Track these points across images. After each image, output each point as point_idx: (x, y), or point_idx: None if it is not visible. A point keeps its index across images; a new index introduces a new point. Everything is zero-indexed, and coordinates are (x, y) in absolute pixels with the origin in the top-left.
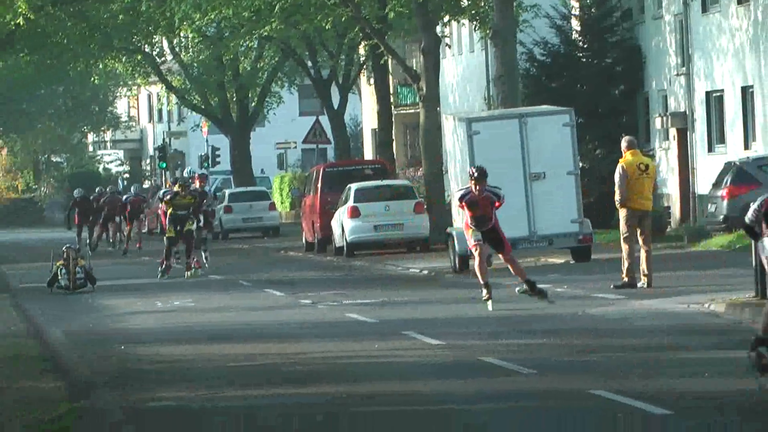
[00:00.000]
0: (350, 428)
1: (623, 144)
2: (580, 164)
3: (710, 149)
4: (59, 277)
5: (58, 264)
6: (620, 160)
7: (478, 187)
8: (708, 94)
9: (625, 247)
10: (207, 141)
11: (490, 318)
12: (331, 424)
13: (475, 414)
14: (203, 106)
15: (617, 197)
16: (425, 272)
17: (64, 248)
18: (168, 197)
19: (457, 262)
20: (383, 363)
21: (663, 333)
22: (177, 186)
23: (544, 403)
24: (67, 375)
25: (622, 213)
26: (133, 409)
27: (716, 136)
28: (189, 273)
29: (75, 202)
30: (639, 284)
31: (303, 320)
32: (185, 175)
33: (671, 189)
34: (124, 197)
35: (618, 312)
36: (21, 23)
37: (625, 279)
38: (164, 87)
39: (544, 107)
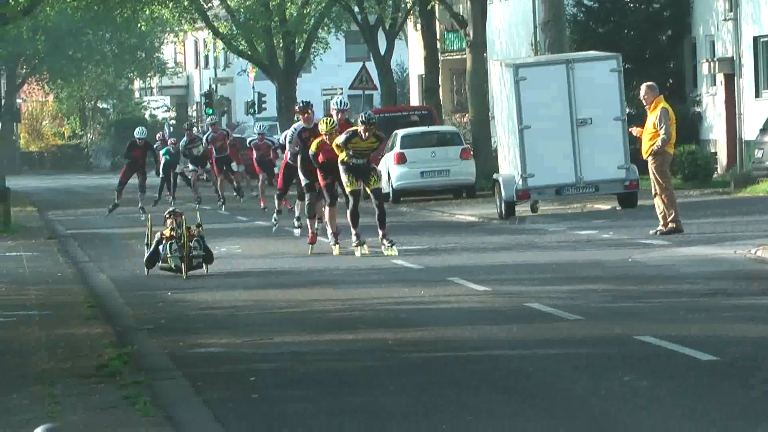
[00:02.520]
0: (399, 375)
1: (653, 90)
2: (627, 110)
3: (757, 94)
4: (168, 254)
5: (165, 234)
6: (662, 103)
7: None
8: (755, 39)
9: (668, 191)
10: (253, 87)
11: (536, 264)
12: (380, 371)
13: (522, 360)
14: (249, 52)
15: (664, 137)
16: (471, 218)
17: (167, 213)
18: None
19: (503, 208)
20: (430, 309)
21: (709, 279)
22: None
23: (589, 349)
24: (114, 321)
25: (662, 157)
26: (179, 355)
27: (764, 81)
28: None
29: (133, 144)
30: (657, 229)
31: (349, 267)
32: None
33: (718, 134)
34: (249, 139)
35: (664, 258)
36: None
37: (672, 225)
38: (211, 33)
39: (591, 53)
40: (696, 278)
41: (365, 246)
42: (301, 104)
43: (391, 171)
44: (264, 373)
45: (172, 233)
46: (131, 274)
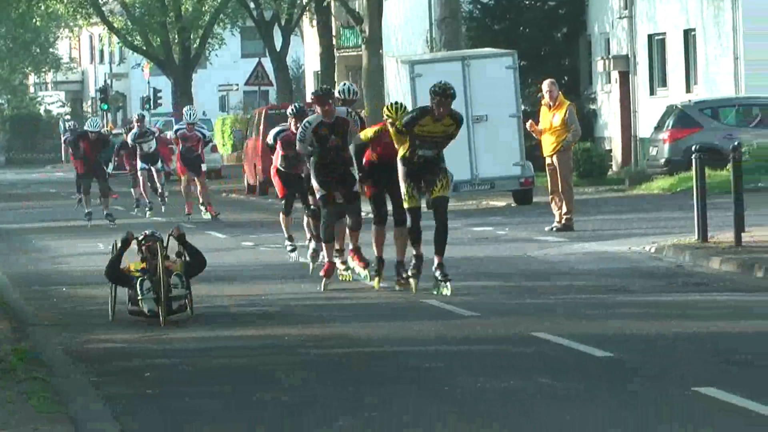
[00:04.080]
0: (299, 370)
1: (555, 87)
2: (523, 107)
3: (652, 92)
4: (138, 295)
5: (133, 269)
6: (566, 103)
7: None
8: (650, 36)
9: (570, 188)
10: (149, 83)
11: (431, 261)
12: (279, 367)
13: (418, 356)
14: (145, 48)
15: (572, 137)
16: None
17: (140, 237)
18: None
19: None
20: (330, 306)
21: (605, 276)
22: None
23: (486, 346)
24: (10, 316)
25: (568, 154)
26: (77, 350)
27: (658, 79)
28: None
29: (81, 137)
30: (553, 226)
31: (245, 262)
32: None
33: (613, 132)
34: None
35: (560, 255)
36: None
37: (568, 221)
38: (106, 28)
39: (487, 50)
40: (592, 275)
41: (412, 282)
42: (320, 92)
43: None
44: (162, 369)
45: (143, 265)
46: (27, 270)
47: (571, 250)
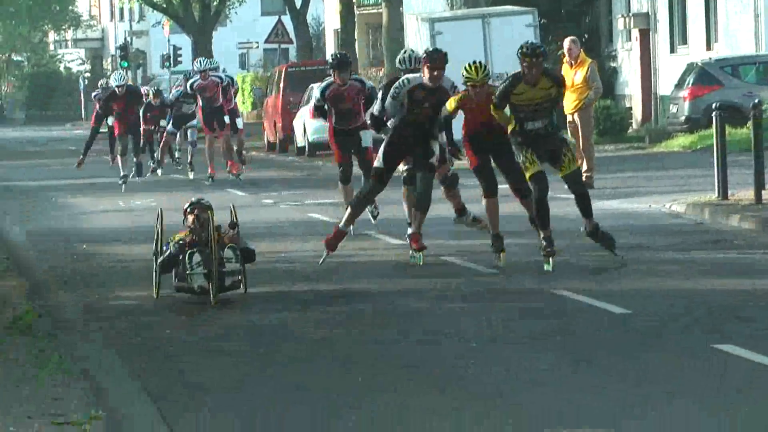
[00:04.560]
0: (322, 327)
1: (577, 44)
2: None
3: (672, 50)
4: (188, 269)
5: (178, 238)
6: (588, 60)
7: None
8: None
9: (591, 146)
10: (168, 40)
11: (451, 218)
12: (301, 324)
13: (439, 313)
14: (164, 5)
15: (594, 95)
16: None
17: (187, 206)
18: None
19: None
20: (349, 263)
21: (624, 233)
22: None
23: (506, 303)
24: (28, 274)
25: (589, 112)
26: (94, 308)
27: (678, 36)
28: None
29: (113, 95)
30: None
31: (265, 220)
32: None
33: (633, 90)
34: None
35: (579, 212)
36: None
37: (589, 179)
38: None
39: (507, 7)
40: (612, 232)
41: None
42: (437, 53)
43: (307, 124)
44: (180, 326)
45: (193, 238)
46: (47, 228)
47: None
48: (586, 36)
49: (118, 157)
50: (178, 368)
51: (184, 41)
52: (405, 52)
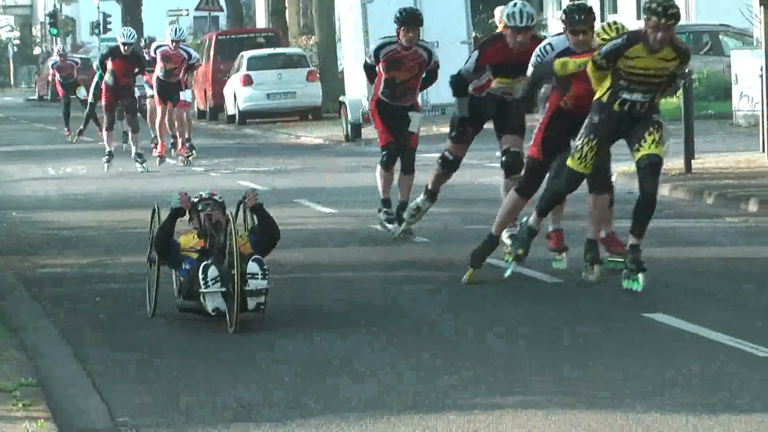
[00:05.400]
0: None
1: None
2: (474, 34)
3: (603, 19)
4: (202, 286)
5: (189, 243)
6: None
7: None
8: None
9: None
10: (98, 8)
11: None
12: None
13: (370, 281)
14: None
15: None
16: (317, 140)
17: (195, 198)
18: None
19: (349, 130)
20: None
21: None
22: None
23: (436, 272)
24: None
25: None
26: (26, 276)
27: (609, 6)
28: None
29: (115, 51)
30: None
31: (196, 188)
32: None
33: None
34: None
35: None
36: None
37: None
38: None
39: None
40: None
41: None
42: (575, 9)
43: (237, 92)
44: (112, 294)
45: (200, 242)
46: None
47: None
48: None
49: (104, 131)
50: (111, 335)
51: (114, 8)
52: (515, 5)
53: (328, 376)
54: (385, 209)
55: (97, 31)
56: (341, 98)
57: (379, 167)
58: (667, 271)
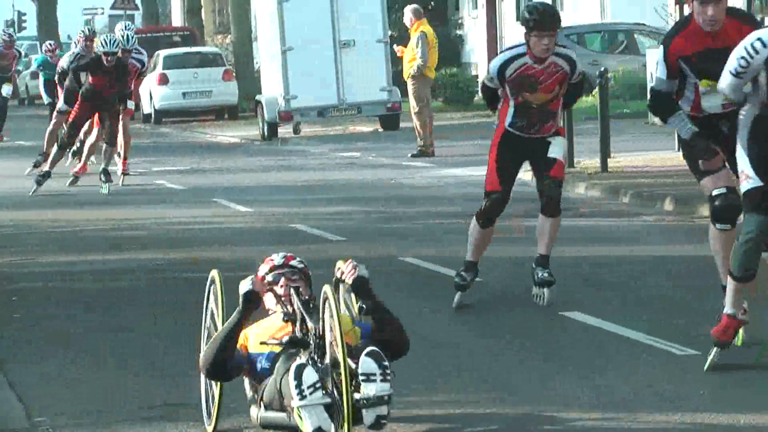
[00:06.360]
0: (165, 294)
1: (416, 13)
2: (390, 32)
3: (518, 18)
4: (295, 397)
5: (255, 339)
6: (421, 27)
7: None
8: None
9: (423, 114)
10: (13, 5)
11: (299, 186)
12: (146, 290)
13: None
14: None
15: (420, 62)
16: (234, 139)
17: (266, 270)
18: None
19: (265, 129)
20: (195, 230)
21: (471, 201)
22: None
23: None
24: None
25: (419, 82)
26: None
27: (524, 5)
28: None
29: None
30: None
31: (113, 188)
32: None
33: (479, 58)
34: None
35: (427, 180)
36: None
37: (421, 148)
38: None
39: None
40: (459, 200)
41: None
42: None
43: (153, 91)
44: (28, 293)
45: (285, 330)
46: None
47: (437, 175)
48: (432, 3)
49: (53, 148)
50: (27, 334)
51: (29, 6)
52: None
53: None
54: (463, 271)
55: (12, 29)
56: (257, 97)
57: (473, 220)
58: (584, 270)
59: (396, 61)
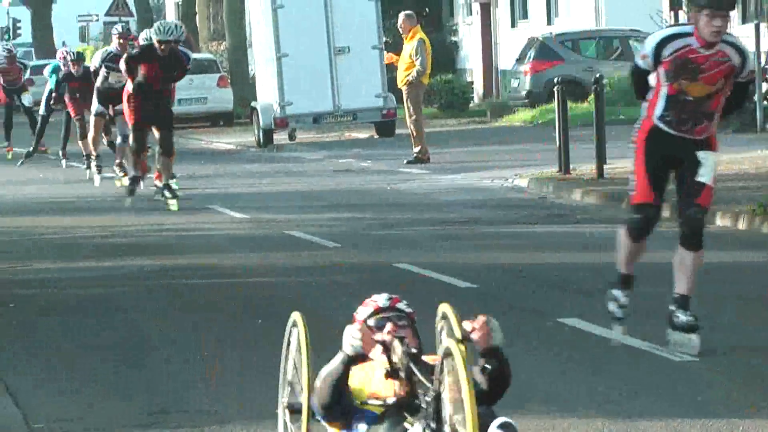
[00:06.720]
0: (160, 301)
1: (410, 19)
2: (385, 39)
3: (513, 24)
4: None
5: (362, 395)
6: (418, 33)
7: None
8: None
9: (419, 121)
10: (8, 13)
11: (294, 192)
12: (141, 297)
13: (283, 287)
14: None
15: (419, 69)
16: (229, 146)
17: (368, 314)
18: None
19: (261, 136)
20: (190, 236)
21: (468, 207)
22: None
23: (350, 276)
24: None
25: (416, 88)
26: None
27: (519, 11)
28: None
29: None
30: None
31: (108, 194)
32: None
33: (474, 64)
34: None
35: (423, 187)
36: None
37: (417, 155)
38: None
39: None
40: (454, 207)
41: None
42: None
43: None
44: (23, 300)
45: (398, 389)
46: None
47: (434, 182)
48: (427, 10)
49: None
50: (23, 341)
51: (24, 13)
52: None
53: (247, 381)
54: (622, 290)
55: (7, 36)
56: (252, 104)
57: (623, 231)
58: (581, 277)
59: (390, 68)
